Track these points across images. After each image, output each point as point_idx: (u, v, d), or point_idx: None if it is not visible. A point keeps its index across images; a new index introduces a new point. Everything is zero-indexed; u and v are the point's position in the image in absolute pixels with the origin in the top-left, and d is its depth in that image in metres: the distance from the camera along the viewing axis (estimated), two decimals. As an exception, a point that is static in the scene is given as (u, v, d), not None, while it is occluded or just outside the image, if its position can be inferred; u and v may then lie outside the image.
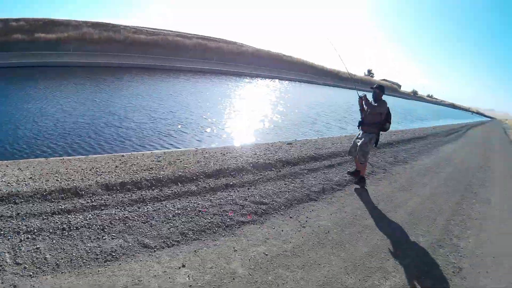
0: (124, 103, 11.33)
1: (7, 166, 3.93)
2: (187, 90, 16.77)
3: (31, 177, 3.54)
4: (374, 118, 4.29)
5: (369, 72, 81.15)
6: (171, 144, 7.14)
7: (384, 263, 2.97)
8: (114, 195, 3.42)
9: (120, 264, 2.46)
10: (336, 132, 11.61)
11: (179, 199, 3.56)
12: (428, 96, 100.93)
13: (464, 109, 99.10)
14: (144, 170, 4.08)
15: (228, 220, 3.30)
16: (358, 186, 4.85)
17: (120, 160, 4.47)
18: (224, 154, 5.22)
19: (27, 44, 22.67)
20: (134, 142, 6.97)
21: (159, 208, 3.30)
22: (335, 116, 16.47)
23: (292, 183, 4.58)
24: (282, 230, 3.29)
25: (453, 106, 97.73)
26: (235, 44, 41.45)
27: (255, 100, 17.04)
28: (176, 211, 3.29)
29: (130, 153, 5.17)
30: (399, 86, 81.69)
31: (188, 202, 3.52)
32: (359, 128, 4.58)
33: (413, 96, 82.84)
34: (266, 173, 4.74)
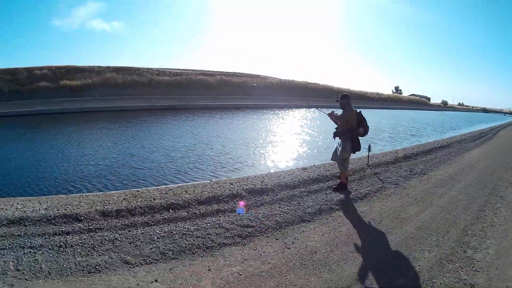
0: (145, 143, 12.89)
1: (30, 200, 5.14)
2: (209, 127, 18.49)
3: (46, 208, 4.59)
4: (345, 127, 5.08)
5: (397, 89, 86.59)
6: (192, 179, 8.04)
7: (373, 285, 3.14)
8: (109, 220, 4.25)
9: (101, 276, 3.14)
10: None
11: (168, 224, 4.24)
12: (459, 104, 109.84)
13: (496, 112, 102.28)
14: (146, 200, 4.92)
15: (210, 242, 3.83)
16: (361, 205, 5.21)
17: (132, 194, 5.31)
18: (232, 184, 5.90)
19: (52, 91, 27.01)
20: (155, 180, 8.03)
21: (147, 232, 4.01)
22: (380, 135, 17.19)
23: (288, 205, 5.00)
24: (264, 252, 3.70)
25: (484, 110, 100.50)
26: (259, 77, 44.95)
27: (279, 131, 18.14)
28: (162, 234, 3.94)
29: (145, 188, 5.98)
30: (429, 99, 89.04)
31: (175, 226, 4.16)
32: (334, 138, 5.42)
33: (444, 106, 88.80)
34: (261, 197, 5.27)
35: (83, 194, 5.98)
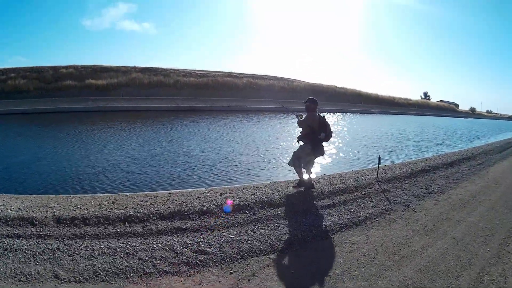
0: (151, 145, 13.13)
1: (11, 198, 5.17)
2: (226, 130, 18.58)
3: (19, 208, 4.61)
4: (306, 130, 5.31)
5: (425, 95, 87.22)
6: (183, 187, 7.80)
7: None
8: (61, 228, 4.15)
9: (28, 286, 2.99)
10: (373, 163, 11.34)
11: (117, 239, 3.91)
12: (487, 111, 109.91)
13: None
14: (114, 209, 4.75)
15: (151, 267, 3.40)
16: (355, 233, 4.50)
17: (114, 199, 5.18)
18: (221, 194, 5.48)
19: (78, 90, 28.64)
20: (145, 185, 7.97)
21: (92, 245, 3.70)
22: (382, 146, 16.08)
23: (262, 229, 4.38)
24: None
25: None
26: (286, 80, 45.07)
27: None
28: (105, 251, 3.60)
29: (134, 194, 5.76)
30: (457, 105, 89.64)
31: (122, 243, 3.80)
32: (298, 142, 5.62)
33: (472, 113, 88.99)
34: (236, 216, 4.73)
35: (71, 195, 5.77)
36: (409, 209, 5.51)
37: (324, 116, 5.32)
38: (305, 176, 5.88)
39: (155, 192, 6.11)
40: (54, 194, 6.02)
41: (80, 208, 4.72)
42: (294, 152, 5.65)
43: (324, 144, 5.66)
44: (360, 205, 5.48)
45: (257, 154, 11.99)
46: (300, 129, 5.52)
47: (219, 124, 21.48)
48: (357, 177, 7.12)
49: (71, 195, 5.70)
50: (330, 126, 5.34)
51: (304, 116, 5.45)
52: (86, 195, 6.04)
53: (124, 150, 11.89)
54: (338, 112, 37.23)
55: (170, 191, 6.21)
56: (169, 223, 4.44)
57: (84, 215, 4.40)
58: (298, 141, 5.53)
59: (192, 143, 13.93)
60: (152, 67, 38.11)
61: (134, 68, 36.43)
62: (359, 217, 5.01)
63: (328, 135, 5.32)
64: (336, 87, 48.18)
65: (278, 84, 42.32)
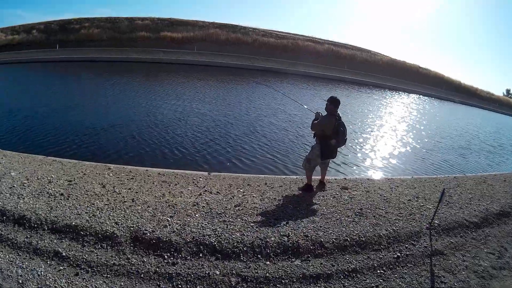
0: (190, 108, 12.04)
1: None
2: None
3: None
4: (319, 132, 4.77)
5: (508, 92, 72.50)
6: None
7: None
8: None
9: None
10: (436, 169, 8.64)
11: None
12: None
13: None
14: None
15: None
16: None
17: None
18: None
19: (152, 42, 28.93)
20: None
21: None
22: (452, 145, 12.29)
23: None
24: None
25: None
26: (369, 53, 40.39)
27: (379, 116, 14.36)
28: None
29: (122, 166, 5.41)
30: None
31: None
32: (314, 137, 5.01)
33: None
34: (232, 264, 3.11)
35: (57, 158, 5.68)
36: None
37: (340, 121, 4.63)
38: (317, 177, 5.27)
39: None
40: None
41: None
42: (307, 154, 5.06)
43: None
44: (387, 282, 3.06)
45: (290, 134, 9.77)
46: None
47: (288, 89, 19.21)
48: (399, 207, 4.56)
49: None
50: (345, 133, 4.66)
51: (320, 118, 4.80)
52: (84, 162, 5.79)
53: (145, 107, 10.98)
54: (418, 94, 31.95)
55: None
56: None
57: None
58: (314, 137, 4.98)
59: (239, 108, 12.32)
60: (231, 24, 36.58)
61: (213, 23, 35.35)
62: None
63: (339, 142, 4.64)
64: (420, 67, 42.04)
65: (361, 56, 37.82)
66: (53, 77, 18.56)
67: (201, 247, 3.19)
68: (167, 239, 3.23)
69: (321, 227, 3.73)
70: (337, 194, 4.89)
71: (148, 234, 3.29)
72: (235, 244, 3.24)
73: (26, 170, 4.82)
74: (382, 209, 4.36)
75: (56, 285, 2.60)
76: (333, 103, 4.59)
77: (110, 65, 22.84)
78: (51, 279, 2.65)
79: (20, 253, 2.96)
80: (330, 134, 4.56)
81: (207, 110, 11.53)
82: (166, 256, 3.06)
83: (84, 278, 2.72)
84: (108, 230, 3.30)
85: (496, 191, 5.98)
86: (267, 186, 5.09)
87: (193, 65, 25.60)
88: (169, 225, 3.48)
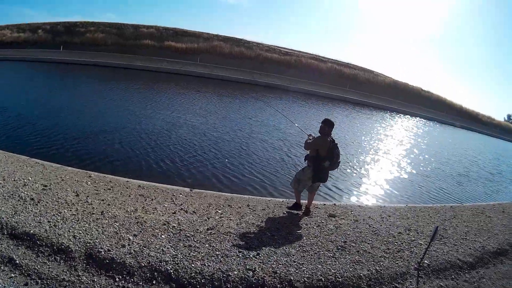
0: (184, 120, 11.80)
1: None
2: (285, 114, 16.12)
3: None
4: (312, 153, 4.63)
5: (509, 117, 71.64)
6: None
7: None
8: None
9: None
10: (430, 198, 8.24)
11: None
12: None
13: None
14: None
15: None
16: None
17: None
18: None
19: (155, 50, 28.98)
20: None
21: None
22: (450, 170, 11.98)
23: None
24: None
25: None
26: (372, 73, 40.46)
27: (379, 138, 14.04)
28: None
29: (103, 175, 5.28)
30: None
31: None
32: (304, 161, 4.83)
33: None
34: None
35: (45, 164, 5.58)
36: None
37: (335, 143, 4.58)
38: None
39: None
40: None
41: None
42: (297, 173, 4.95)
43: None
44: None
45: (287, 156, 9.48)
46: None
47: (288, 106, 18.99)
48: (388, 241, 4.21)
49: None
50: (338, 155, 4.58)
51: (313, 138, 4.75)
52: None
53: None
54: (419, 117, 31.96)
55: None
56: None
57: None
58: (305, 160, 4.85)
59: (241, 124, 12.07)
60: (236, 37, 36.91)
61: (217, 36, 35.67)
62: None
63: (333, 164, 4.55)
64: (422, 89, 42.42)
65: (363, 76, 37.91)
66: (55, 78, 18.77)
67: (155, 273, 2.86)
68: (121, 261, 2.93)
69: (294, 262, 3.34)
70: (322, 222, 4.56)
71: (103, 252, 3.00)
72: (193, 274, 2.89)
73: (5, 170, 4.67)
74: (368, 243, 4.01)
75: (4, 291, 2.49)
76: (327, 123, 4.58)
77: (112, 70, 22.88)
78: (0, 285, 2.60)
79: (-25, 255, 2.84)
80: (324, 156, 4.47)
81: (200, 123, 11.27)
82: (117, 279, 2.78)
83: (33, 289, 2.56)
84: (64, 243, 3.07)
85: (494, 224, 5.68)
86: (249, 208, 4.82)
87: (194, 76, 25.57)
88: (128, 245, 3.16)
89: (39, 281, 2.67)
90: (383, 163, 10.90)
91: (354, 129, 16.53)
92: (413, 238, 4.38)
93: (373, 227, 4.59)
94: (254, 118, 13.83)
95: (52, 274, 2.74)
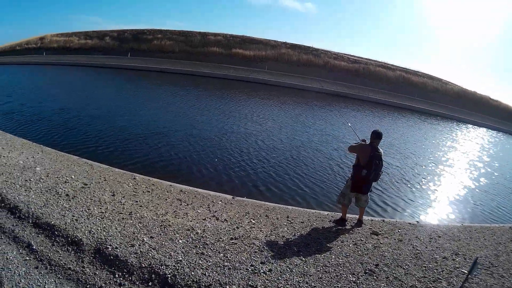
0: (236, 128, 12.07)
1: None
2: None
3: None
4: (355, 161, 4.59)
5: None
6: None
7: None
8: None
9: None
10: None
11: None
12: None
13: None
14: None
15: None
16: None
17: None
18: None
19: (223, 57, 30.03)
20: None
21: None
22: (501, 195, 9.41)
23: None
24: None
25: None
26: (440, 81, 37.67)
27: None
28: None
29: (148, 178, 5.45)
30: None
31: None
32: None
33: None
34: None
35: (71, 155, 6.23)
36: None
37: (378, 153, 4.40)
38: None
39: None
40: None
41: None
42: (343, 187, 4.91)
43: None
44: None
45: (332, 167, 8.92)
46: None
47: (355, 117, 18.10)
48: (427, 267, 3.48)
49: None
50: (378, 167, 4.39)
51: (359, 143, 4.69)
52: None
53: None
54: (487, 127, 27.41)
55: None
56: None
57: None
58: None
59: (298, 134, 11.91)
60: (303, 45, 36.49)
61: (284, 43, 35.72)
62: None
63: (371, 174, 4.34)
64: (490, 98, 38.18)
65: (431, 84, 35.38)
66: (122, 83, 20.28)
67: (153, 275, 2.82)
68: (124, 259, 2.97)
69: (307, 283, 2.95)
70: (361, 240, 4.09)
71: (110, 249, 3.08)
72: (189, 282, 2.75)
73: (51, 168, 5.10)
74: (404, 268, 3.40)
75: (16, 271, 2.75)
76: (374, 134, 4.53)
77: (179, 76, 24.32)
78: (15, 265, 2.82)
79: (2, 237, 3.19)
80: (364, 165, 4.39)
81: (257, 130, 11.29)
82: (117, 275, 2.83)
83: (41, 273, 2.79)
84: (78, 236, 3.25)
85: None
86: (287, 220, 4.59)
87: (260, 84, 25.97)
88: (139, 245, 3.18)
89: (48, 266, 2.87)
90: (443, 176, 9.59)
91: (416, 139, 14.98)
92: (457, 265, 3.63)
93: (417, 249, 3.95)
94: (313, 127, 13.42)
95: (61, 262, 2.94)
